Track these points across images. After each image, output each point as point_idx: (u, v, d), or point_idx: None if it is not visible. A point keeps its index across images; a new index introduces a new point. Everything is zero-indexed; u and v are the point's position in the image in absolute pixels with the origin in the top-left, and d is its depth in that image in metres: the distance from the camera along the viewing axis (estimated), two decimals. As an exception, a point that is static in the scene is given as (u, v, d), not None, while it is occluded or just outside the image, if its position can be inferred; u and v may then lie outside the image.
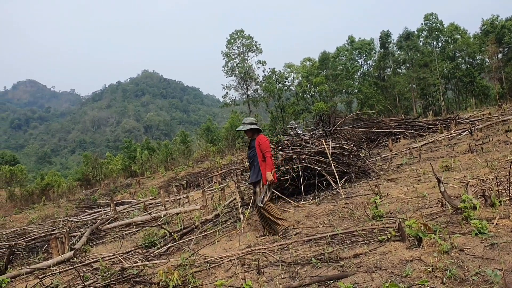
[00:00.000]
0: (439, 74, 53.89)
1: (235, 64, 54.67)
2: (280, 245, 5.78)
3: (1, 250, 10.88)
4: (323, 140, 9.29)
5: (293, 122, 18.88)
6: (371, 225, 5.65)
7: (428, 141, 14.38)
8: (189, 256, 5.63)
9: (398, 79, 55.03)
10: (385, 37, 57.02)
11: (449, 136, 14.41)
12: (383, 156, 13.32)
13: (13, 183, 40.52)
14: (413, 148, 13.08)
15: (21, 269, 7.85)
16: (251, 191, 10.14)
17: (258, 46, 55.11)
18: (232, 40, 54.85)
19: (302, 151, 9.10)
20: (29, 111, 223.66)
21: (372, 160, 11.89)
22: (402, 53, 57.44)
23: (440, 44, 57.77)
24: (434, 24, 56.20)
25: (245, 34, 55.10)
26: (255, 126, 6.93)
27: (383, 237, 4.90)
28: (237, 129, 7.09)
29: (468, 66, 54.95)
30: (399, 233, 4.73)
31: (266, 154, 6.66)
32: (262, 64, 55.43)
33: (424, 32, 57.18)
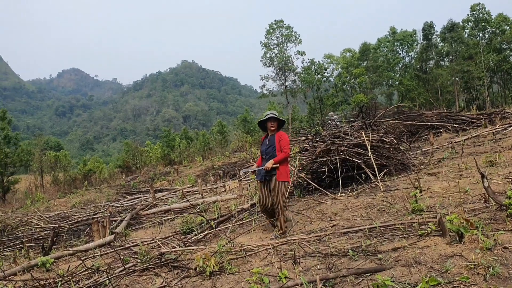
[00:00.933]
0: (484, 67, 51.93)
1: (273, 54, 54.43)
2: (316, 236, 5.77)
3: (46, 232, 11.34)
4: (362, 132, 9.17)
5: (333, 113, 18.67)
6: (411, 219, 5.54)
7: (471, 136, 13.94)
8: (226, 244, 5.70)
9: (440, 71, 53.44)
10: (428, 28, 55.39)
11: (493, 130, 13.92)
12: (423, 150, 13.01)
13: (57, 168, 41.95)
14: (455, 142, 12.72)
15: (64, 250, 8.17)
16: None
17: (297, 36, 54.67)
18: (271, 30, 54.59)
19: (340, 142, 9.02)
20: (73, 99, 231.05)
21: (413, 154, 11.64)
22: (446, 45, 55.70)
23: (486, 36, 55.60)
24: (481, 15, 54.13)
25: (285, 24, 54.74)
26: (284, 120, 6.73)
27: (422, 231, 4.81)
28: (267, 115, 6.60)
29: (517, 58, 52.64)
30: (439, 228, 4.63)
31: (285, 151, 6.44)
32: (301, 55, 54.95)
33: (469, 23, 55.14)
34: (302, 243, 5.37)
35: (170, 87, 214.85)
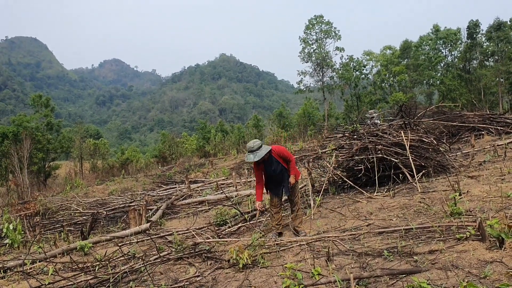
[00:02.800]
0: (531, 68, 49.96)
1: (312, 50, 53.97)
2: (350, 234, 5.73)
3: (85, 217, 11.70)
4: (401, 132, 8.99)
5: (372, 111, 18.32)
6: (449, 222, 5.42)
7: (515, 139, 13.46)
8: (260, 237, 5.73)
9: (484, 72, 51.69)
10: (473, 27, 53.62)
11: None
12: (464, 152, 12.66)
13: (96, 156, 43.09)
14: (498, 145, 12.31)
15: (102, 236, 8.41)
16: (323, 178, 10.12)
17: (337, 32, 53.97)
18: (311, 26, 54.13)
19: (378, 141, 8.88)
20: (113, 89, 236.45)
21: (453, 155, 11.34)
22: (492, 44, 53.82)
23: (535, 36, 53.47)
24: (530, 14, 52.05)
25: (324, 19, 54.16)
26: (267, 147, 6.43)
27: (461, 235, 4.69)
28: (248, 159, 6.32)
29: None
30: (479, 232, 4.51)
31: (291, 159, 6.53)
32: (340, 51, 54.25)
33: (518, 22, 53.13)
34: (336, 241, 5.34)
35: (208, 80, 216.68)
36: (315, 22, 54.06)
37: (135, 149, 52.70)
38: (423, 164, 8.99)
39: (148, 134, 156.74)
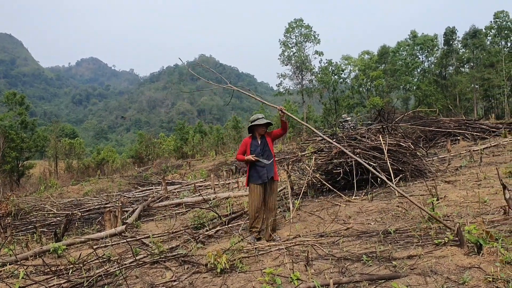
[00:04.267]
0: (505, 75, 51.15)
1: (291, 53, 54.31)
2: (329, 239, 5.70)
3: (59, 218, 11.42)
4: (380, 136, 9.04)
5: (346, 115, 18.44)
6: (427, 227, 5.44)
7: (490, 145, 13.70)
8: (239, 241, 5.65)
9: (460, 78, 52.78)
10: (450, 33, 54.71)
11: (513, 141, 13.67)
12: (440, 156, 12.83)
13: (71, 156, 42.38)
14: (473, 151, 12.51)
15: (76, 238, 8.20)
16: (302, 181, 10.08)
17: (316, 36, 54.45)
18: (291, 29, 54.42)
19: (357, 145, 8.90)
20: (90, 88, 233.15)
21: (429, 160, 11.47)
22: (467, 51, 54.96)
23: (509, 44, 54.82)
24: (504, 23, 53.31)
25: (304, 23, 54.51)
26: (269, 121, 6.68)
27: (439, 240, 4.70)
28: (256, 122, 6.57)
29: (539, 69, 51.67)
30: (457, 238, 4.52)
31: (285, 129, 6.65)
32: (319, 55, 54.74)
33: (492, 30, 54.38)
34: (315, 245, 5.29)
35: (187, 81, 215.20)
36: (295, 25, 54.39)
37: (111, 149, 52.04)
38: (400, 168, 9.05)
39: (125, 134, 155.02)
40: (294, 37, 54.52)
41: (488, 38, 54.91)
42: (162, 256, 5.86)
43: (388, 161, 8.45)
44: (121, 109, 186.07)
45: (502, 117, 43.58)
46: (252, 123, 6.65)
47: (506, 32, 53.36)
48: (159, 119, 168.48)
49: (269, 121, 6.61)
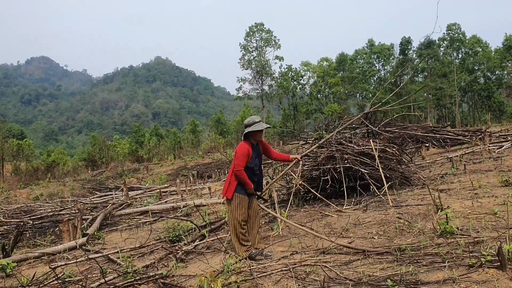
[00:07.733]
0: (456, 85, 52.74)
1: (252, 57, 53.78)
2: (332, 256, 4.96)
3: (6, 228, 10.13)
4: (370, 140, 8.43)
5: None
6: (445, 243, 4.81)
7: (464, 152, 13.51)
8: (235, 263, 4.81)
9: (414, 87, 53.92)
10: (405, 43, 55.87)
11: (488, 148, 13.54)
12: (417, 163, 12.46)
13: (19, 158, 40.01)
14: (453, 157, 12.23)
15: (29, 252, 7.10)
16: (283, 191, 9.34)
17: (276, 41, 54.18)
18: (251, 33, 53.92)
19: (344, 150, 8.25)
20: (40, 88, 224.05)
21: (409, 167, 11.03)
22: (422, 61, 56.29)
23: (460, 56, 56.75)
24: (456, 35, 55.09)
25: (265, 28, 54.13)
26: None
27: (472, 261, 4.06)
28: (255, 127, 5.38)
29: (487, 80, 53.59)
30: (496, 258, 3.89)
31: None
32: (280, 60, 54.53)
33: (445, 42, 56.07)
34: (325, 266, 4.53)
35: (142, 83, 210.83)
36: (255, 29, 53.92)
37: (62, 152, 49.67)
38: (388, 175, 8.47)
39: (76, 136, 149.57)
40: (255, 41, 54.07)
41: (441, 49, 56.53)
42: (137, 278, 4.94)
43: (380, 167, 7.83)
44: (73, 110, 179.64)
45: (454, 126, 44.69)
46: (252, 128, 5.46)
47: (457, 44, 55.15)
48: (112, 121, 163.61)
49: (269, 125, 5.75)
